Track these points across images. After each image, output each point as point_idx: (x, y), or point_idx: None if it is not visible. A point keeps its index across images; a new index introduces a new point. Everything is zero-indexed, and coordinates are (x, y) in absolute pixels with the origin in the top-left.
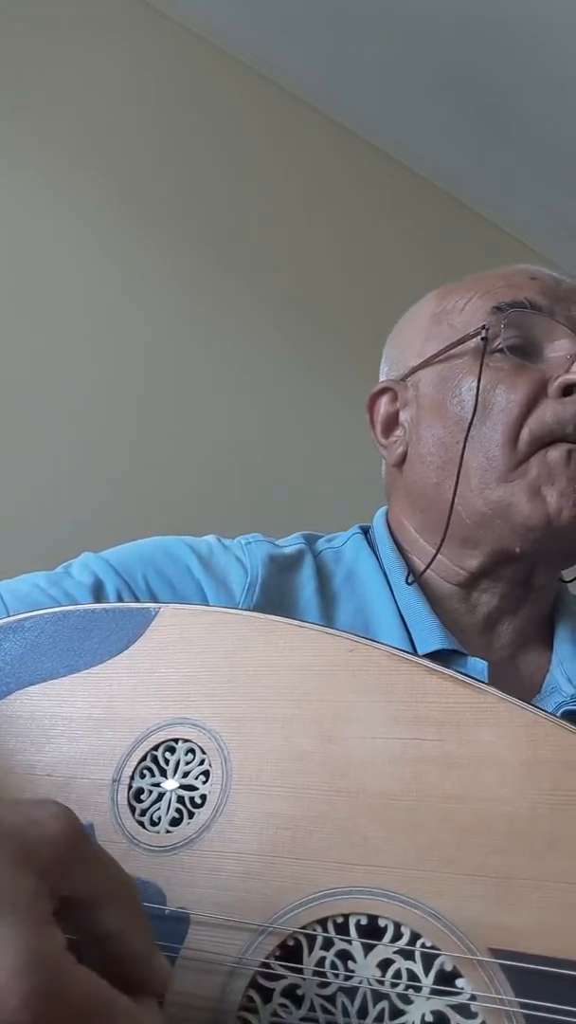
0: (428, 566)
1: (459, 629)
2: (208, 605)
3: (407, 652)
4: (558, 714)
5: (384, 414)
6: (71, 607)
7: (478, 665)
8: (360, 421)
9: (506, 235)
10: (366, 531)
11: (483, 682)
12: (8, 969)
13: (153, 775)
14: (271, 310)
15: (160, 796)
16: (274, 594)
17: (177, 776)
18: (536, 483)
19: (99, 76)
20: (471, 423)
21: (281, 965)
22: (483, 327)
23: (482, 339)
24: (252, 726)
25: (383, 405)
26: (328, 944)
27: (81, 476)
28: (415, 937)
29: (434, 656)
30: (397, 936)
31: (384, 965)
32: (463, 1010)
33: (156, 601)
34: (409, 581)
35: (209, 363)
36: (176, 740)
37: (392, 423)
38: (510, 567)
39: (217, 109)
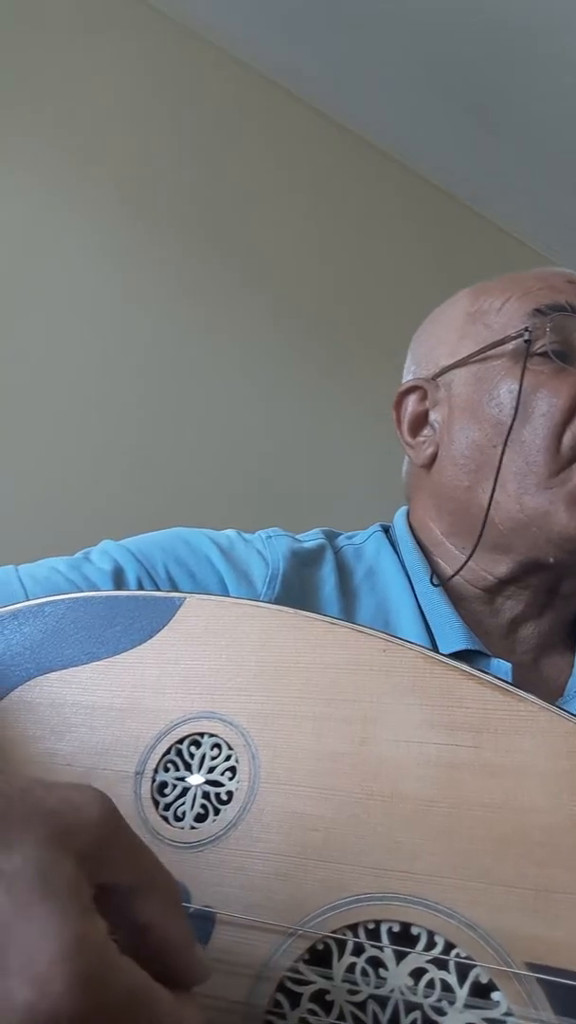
0: (458, 571)
1: (482, 631)
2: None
3: (442, 655)
4: None
5: (412, 413)
6: (93, 593)
7: (502, 667)
8: (360, 421)
9: (505, 234)
10: (386, 530)
11: (521, 689)
12: (51, 955)
13: (178, 769)
14: (270, 309)
15: (184, 791)
16: (295, 588)
17: (203, 771)
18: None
19: (99, 76)
20: (511, 426)
21: (310, 970)
22: (526, 329)
23: (525, 341)
24: (281, 723)
25: (411, 404)
26: (359, 950)
27: (81, 476)
28: (449, 947)
29: (457, 656)
30: (431, 945)
31: (417, 974)
32: None
33: (177, 591)
34: (435, 583)
35: (209, 363)
36: (201, 734)
37: (420, 422)
38: (539, 575)
39: (217, 109)
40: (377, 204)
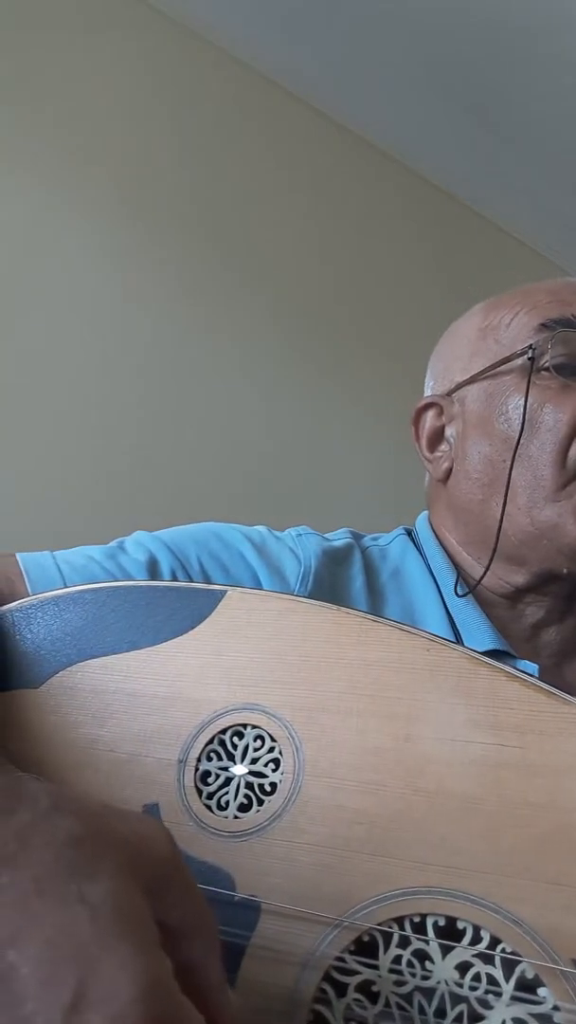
0: (478, 582)
1: (506, 635)
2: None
3: (487, 657)
4: None
5: (430, 428)
6: (135, 582)
7: (529, 668)
8: (360, 421)
9: (505, 234)
10: (409, 532)
11: (568, 693)
12: (131, 994)
13: (221, 759)
14: (270, 309)
15: (228, 780)
16: (326, 585)
17: (246, 762)
18: None
19: (99, 76)
20: (518, 442)
21: (356, 960)
22: (530, 346)
23: (529, 358)
24: (324, 718)
25: (429, 419)
26: (405, 942)
27: (81, 475)
28: (495, 942)
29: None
30: (476, 939)
31: (463, 968)
32: (545, 1020)
33: (216, 583)
34: (460, 593)
35: (209, 362)
36: (244, 725)
37: (437, 438)
38: (556, 584)
39: (217, 109)
40: (377, 204)
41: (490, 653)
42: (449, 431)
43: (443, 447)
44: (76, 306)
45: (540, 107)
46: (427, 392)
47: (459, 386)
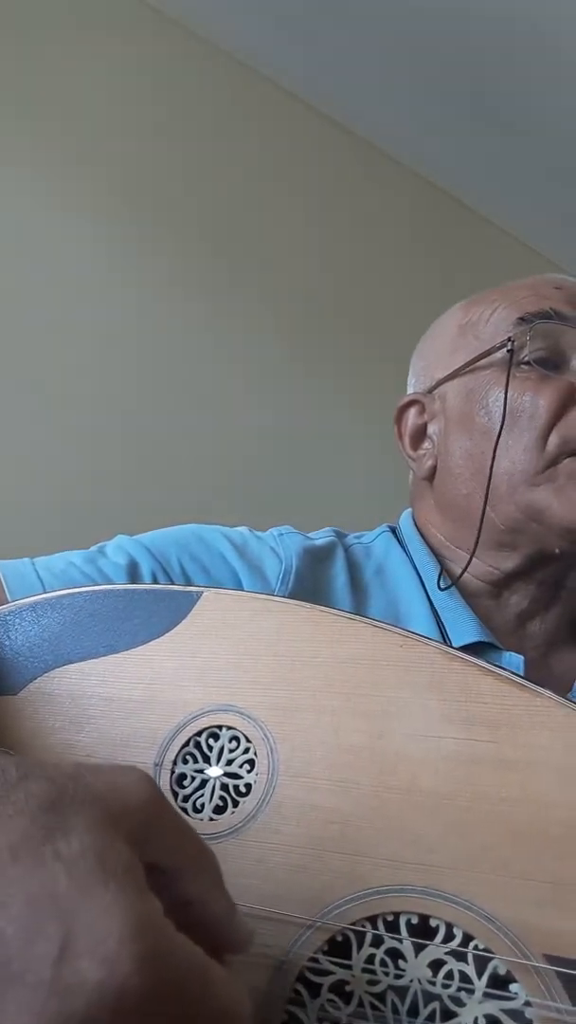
0: (463, 573)
1: (491, 627)
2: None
3: (460, 651)
4: None
5: (412, 427)
6: (111, 586)
7: (514, 659)
8: (360, 418)
9: (505, 233)
10: (393, 530)
11: (538, 685)
12: (118, 935)
13: (196, 761)
14: (270, 308)
15: (203, 783)
16: (308, 584)
17: (221, 763)
18: (565, 486)
19: (99, 76)
20: (500, 433)
21: (330, 961)
22: (509, 339)
23: (508, 351)
24: (299, 717)
25: (410, 418)
26: (378, 941)
27: (80, 475)
28: (468, 939)
29: (470, 648)
30: (449, 937)
31: (436, 965)
32: (517, 1016)
33: (194, 585)
34: (442, 586)
35: (208, 362)
36: (220, 727)
37: (420, 436)
38: (546, 569)
39: (217, 109)
40: (377, 203)
41: (475, 645)
42: (431, 428)
43: (426, 445)
44: (76, 304)
45: (539, 105)
46: (409, 390)
47: (439, 383)
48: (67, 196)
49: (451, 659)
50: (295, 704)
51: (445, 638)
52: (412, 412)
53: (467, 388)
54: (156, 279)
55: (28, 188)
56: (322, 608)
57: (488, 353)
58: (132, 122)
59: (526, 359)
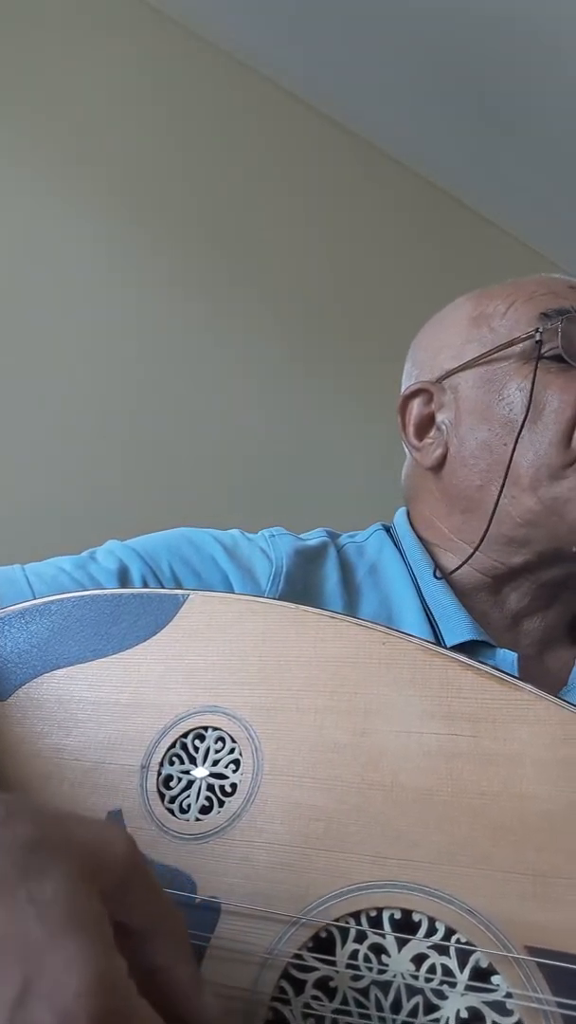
0: (464, 562)
1: (486, 624)
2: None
3: (441, 647)
4: None
5: (418, 416)
6: (99, 591)
7: (508, 657)
8: (360, 417)
9: (505, 233)
10: (387, 529)
11: (517, 678)
12: (77, 989)
13: (182, 762)
14: (270, 308)
15: (190, 784)
16: (299, 584)
17: (207, 764)
18: None
19: (99, 76)
20: (523, 424)
21: (314, 957)
22: (537, 330)
23: (536, 342)
24: (283, 716)
25: (416, 407)
26: (361, 937)
27: (80, 475)
28: (450, 933)
29: (463, 647)
30: (432, 931)
31: (418, 960)
32: (499, 1007)
33: (182, 588)
34: (438, 576)
35: (208, 361)
36: (206, 728)
37: (427, 425)
38: (553, 568)
39: (217, 109)
40: (377, 203)
41: (468, 644)
42: (440, 418)
43: (433, 434)
44: (75, 304)
45: (539, 106)
46: (409, 381)
47: (450, 373)
48: (67, 195)
49: (432, 655)
50: (280, 704)
51: (438, 637)
52: (418, 401)
53: (484, 379)
54: (156, 279)
55: (28, 188)
56: (306, 608)
57: (509, 344)
58: (132, 122)
59: (553, 352)
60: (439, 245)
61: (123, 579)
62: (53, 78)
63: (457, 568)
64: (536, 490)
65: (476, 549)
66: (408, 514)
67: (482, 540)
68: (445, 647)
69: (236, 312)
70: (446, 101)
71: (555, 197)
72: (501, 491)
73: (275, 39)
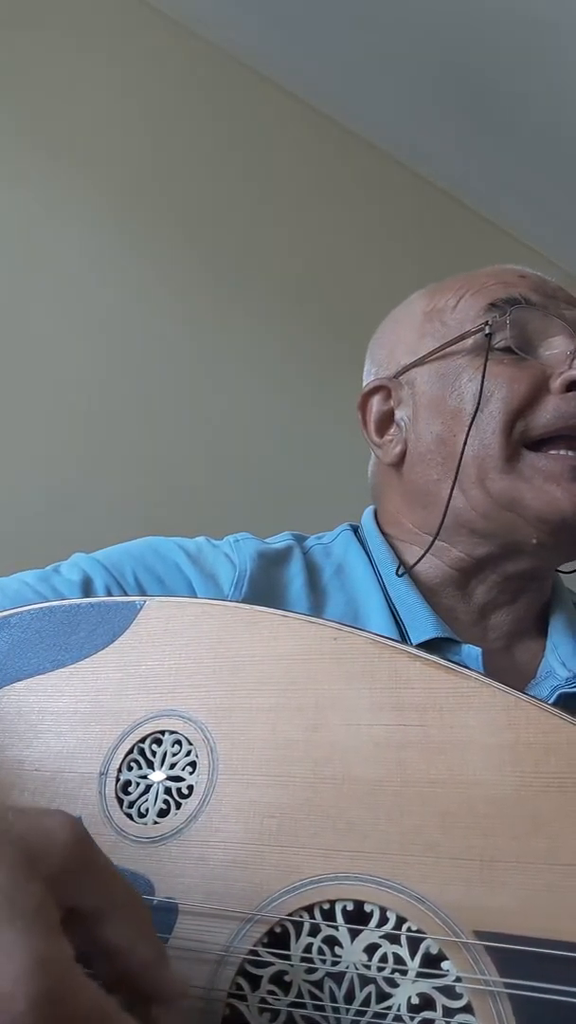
0: (422, 556)
1: (453, 619)
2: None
3: (391, 639)
4: (553, 697)
5: (378, 413)
6: (57, 602)
7: (473, 652)
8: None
9: (505, 233)
10: (355, 529)
11: (467, 667)
12: (12, 974)
13: (140, 767)
14: (269, 308)
15: (147, 788)
16: (263, 588)
17: (164, 768)
18: (533, 478)
19: (99, 76)
20: (473, 416)
21: (269, 952)
22: (486, 323)
23: (486, 335)
24: (238, 716)
25: (376, 404)
26: (315, 930)
27: (80, 475)
28: (401, 921)
29: (428, 645)
30: (383, 921)
31: (370, 950)
32: (449, 992)
33: (144, 595)
34: (399, 573)
35: (208, 362)
36: (163, 732)
37: (387, 422)
38: (518, 561)
39: (216, 108)
40: (377, 203)
41: (433, 641)
42: (399, 414)
43: (393, 431)
44: (76, 305)
45: (538, 105)
46: (369, 379)
47: (406, 368)
48: (66, 195)
49: (381, 648)
50: (234, 704)
51: (404, 635)
52: (377, 398)
53: (438, 373)
54: (155, 278)
55: (27, 187)
56: (261, 609)
57: (461, 337)
58: (131, 122)
59: (503, 344)
60: (439, 245)
61: (87, 590)
62: (52, 78)
63: (417, 561)
64: (483, 483)
65: (433, 541)
66: (375, 512)
67: (437, 533)
68: (411, 645)
69: (235, 311)
70: (446, 101)
71: (554, 197)
72: (454, 484)
73: (275, 39)
